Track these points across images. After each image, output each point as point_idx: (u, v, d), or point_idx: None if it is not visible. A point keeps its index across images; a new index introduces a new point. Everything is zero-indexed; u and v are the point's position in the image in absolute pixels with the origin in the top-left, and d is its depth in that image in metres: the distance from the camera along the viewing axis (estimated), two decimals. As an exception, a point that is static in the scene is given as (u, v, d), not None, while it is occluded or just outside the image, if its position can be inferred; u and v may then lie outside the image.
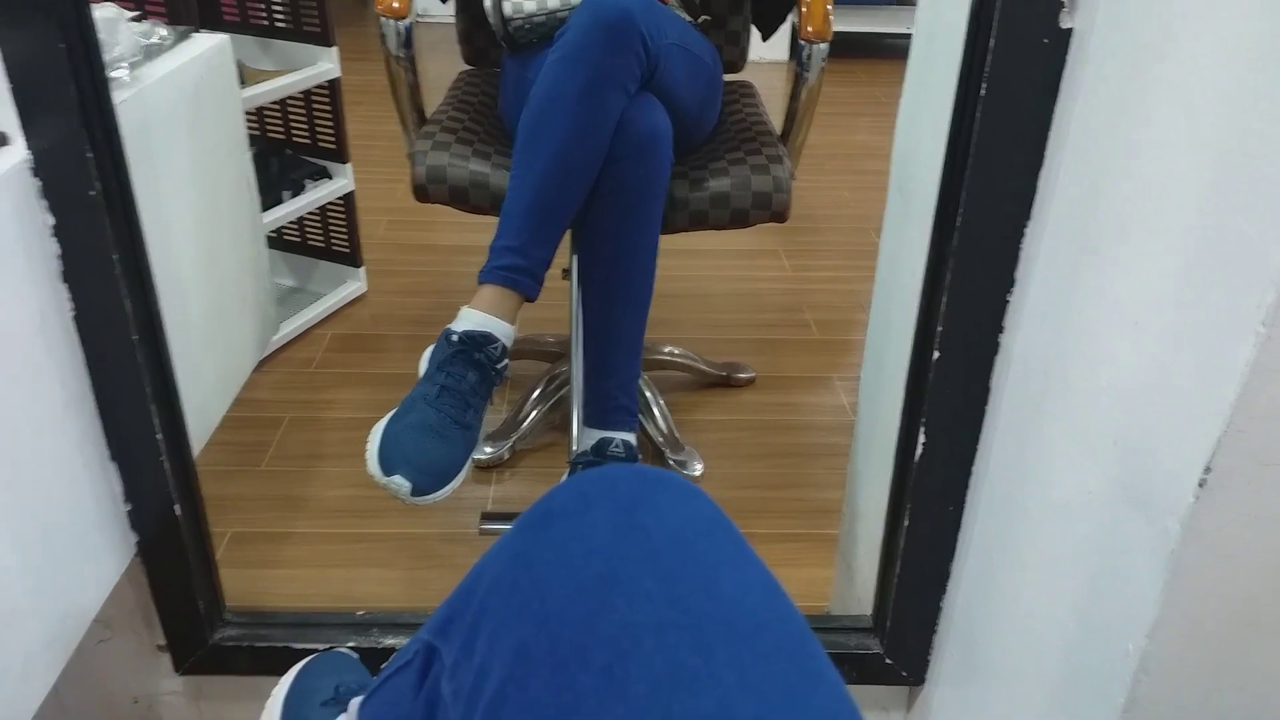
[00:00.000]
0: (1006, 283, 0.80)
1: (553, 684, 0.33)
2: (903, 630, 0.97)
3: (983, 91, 0.73)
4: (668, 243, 1.31)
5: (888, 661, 0.99)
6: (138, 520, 0.89)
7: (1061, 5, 0.70)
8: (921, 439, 0.87)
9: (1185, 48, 0.58)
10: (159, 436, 0.86)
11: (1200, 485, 0.56)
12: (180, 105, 1.14)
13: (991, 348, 0.82)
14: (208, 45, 1.21)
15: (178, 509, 0.90)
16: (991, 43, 0.72)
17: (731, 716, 0.31)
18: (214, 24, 1.71)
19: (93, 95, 0.76)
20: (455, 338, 1.11)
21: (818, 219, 2.44)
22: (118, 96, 0.81)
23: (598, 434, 1.23)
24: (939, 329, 0.83)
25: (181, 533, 0.90)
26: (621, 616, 0.34)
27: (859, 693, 1.02)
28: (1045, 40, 0.71)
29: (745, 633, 0.34)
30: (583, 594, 0.35)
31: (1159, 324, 0.60)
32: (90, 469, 0.85)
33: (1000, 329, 0.81)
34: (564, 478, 1.26)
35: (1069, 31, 0.70)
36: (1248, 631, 0.59)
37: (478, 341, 1.11)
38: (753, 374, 1.79)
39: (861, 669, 1.00)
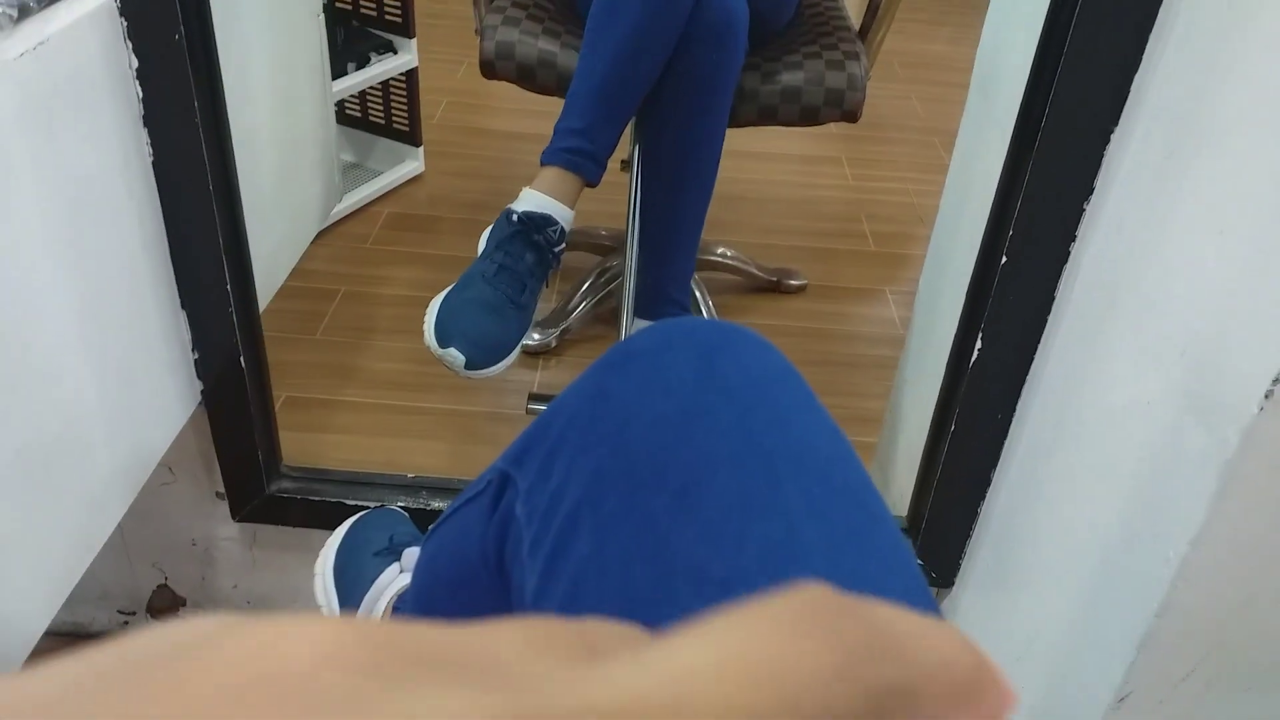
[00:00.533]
0: (1085, 190, 0.79)
1: (627, 503, 0.35)
2: (936, 533, 0.99)
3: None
4: (729, 143, 1.30)
5: (919, 565, 1.01)
6: (204, 369, 0.93)
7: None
8: (979, 345, 0.87)
9: None
10: (228, 288, 0.89)
11: (1266, 396, 0.56)
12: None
13: (1062, 256, 0.82)
14: None
15: (242, 361, 0.93)
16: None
17: (798, 540, 0.33)
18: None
19: None
20: (515, 217, 1.13)
21: (885, 128, 2.39)
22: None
23: (648, 325, 1.25)
24: (1010, 235, 0.83)
25: (245, 384, 0.94)
26: (697, 446, 0.36)
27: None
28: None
29: (814, 470, 0.35)
30: (660, 425, 0.37)
31: (1248, 232, 0.60)
32: (162, 314, 0.89)
33: (1073, 237, 0.81)
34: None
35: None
36: (1294, 545, 0.60)
37: (537, 222, 1.12)
38: (804, 281, 1.78)
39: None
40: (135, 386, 0.87)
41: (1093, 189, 0.78)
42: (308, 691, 0.10)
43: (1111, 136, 0.76)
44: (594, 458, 0.37)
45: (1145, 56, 0.72)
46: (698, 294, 1.63)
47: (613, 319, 1.56)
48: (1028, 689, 0.85)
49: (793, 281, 1.78)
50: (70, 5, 0.73)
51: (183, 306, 0.90)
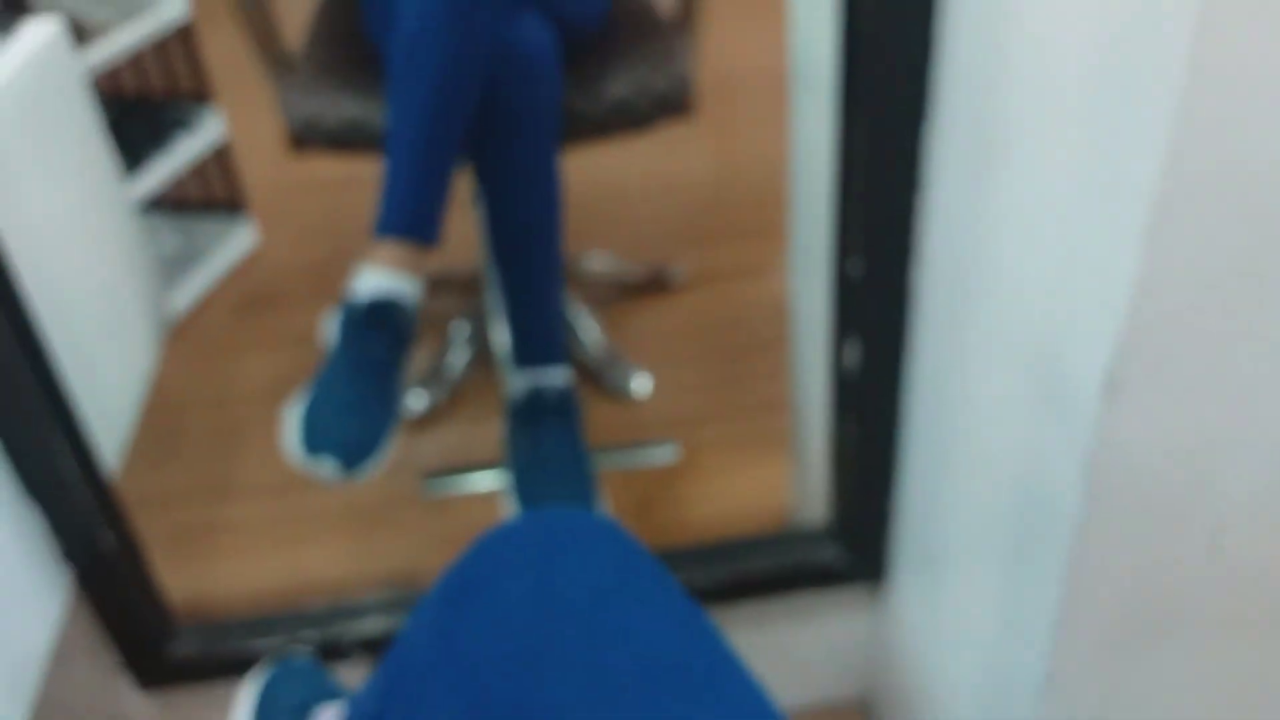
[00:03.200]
0: (912, 184, 0.84)
1: None
2: (858, 532, 1.05)
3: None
4: (570, 147, 1.32)
5: (847, 564, 1.07)
6: (69, 554, 0.92)
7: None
8: (852, 347, 0.93)
9: None
10: (71, 469, 0.89)
11: (1104, 389, 0.62)
12: (18, 113, 1.11)
13: (905, 250, 0.87)
14: (38, 41, 1.16)
15: (106, 536, 0.93)
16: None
17: None
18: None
19: None
20: (359, 308, 1.13)
21: (734, 84, 2.42)
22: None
23: (529, 378, 1.27)
24: (854, 236, 0.88)
25: (114, 559, 0.94)
26: (550, 693, 0.39)
27: (823, 597, 1.11)
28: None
29: (662, 677, 0.39)
30: (510, 674, 0.40)
31: (1054, 234, 0.65)
32: (9, 513, 0.88)
33: (910, 231, 0.86)
34: (504, 433, 1.30)
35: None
36: (1164, 517, 0.67)
37: (383, 310, 1.13)
38: (683, 270, 1.83)
39: (823, 575, 1.08)
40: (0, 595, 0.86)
41: (921, 182, 0.83)
42: None
43: (923, 131, 0.81)
44: (452, 712, 0.40)
45: (938, 51, 0.77)
46: (577, 312, 1.66)
47: (492, 365, 1.58)
48: (971, 677, 0.91)
49: (672, 277, 1.82)
50: None
51: (30, 499, 0.89)
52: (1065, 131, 0.64)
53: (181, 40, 1.76)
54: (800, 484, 1.32)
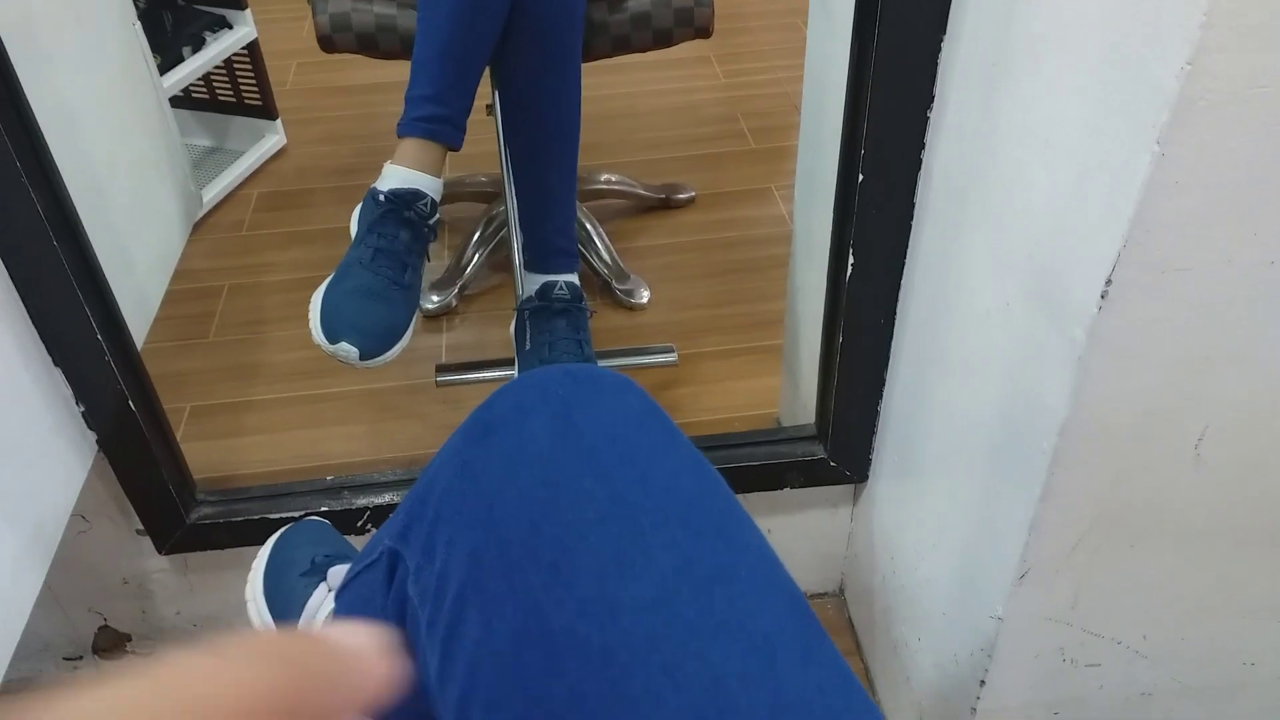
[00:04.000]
0: (925, 99, 0.80)
1: (507, 584, 0.36)
2: (844, 435, 1.03)
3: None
4: (592, 60, 1.28)
5: (832, 464, 1.05)
6: (93, 419, 0.90)
7: None
8: (851, 260, 0.89)
9: None
10: (98, 336, 0.86)
11: (1102, 296, 0.59)
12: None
13: (914, 165, 0.84)
14: None
15: (130, 403, 0.91)
16: None
17: (669, 596, 0.35)
18: None
19: None
20: (381, 198, 1.10)
21: (746, 17, 2.36)
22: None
23: (540, 278, 1.24)
24: (862, 151, 0.84)
25: (138, 424, 0.92)
26: (564, 516, 0.37)
27: (808, 494, 1.10)
28: None
29: (677, 517, 0.37)
30: (527, 500, 0.38)
31: (1068, 144, 0.62)
32: (36, 377, 0.86)
33: (922, 146, 0.82)
34: (511, 325, 1.28)
35: None
36: (1149, 423, 0.64)
37: (405, 199, 1.10)
38: (692, 193, 1.78)
39: (809, 472, 1.06)
40: (24, 455, 0.84)
41: (932, 97, 0.80)
42: None
43: (942, 45, 0.77)
44: (470, 539, 0.38)
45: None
46: (588, 225, 1.62)
47: (509, 266, 1.55)
48: (944, 573, 0.90)
49: (680, 195, 1.78)
50: None
51: (56, 364, 0.87)
52: (1087, 43, 0.60)
53: (216, -59, 1.69)
54: (789, 391, 1.30)
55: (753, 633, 0.34)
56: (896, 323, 0.93)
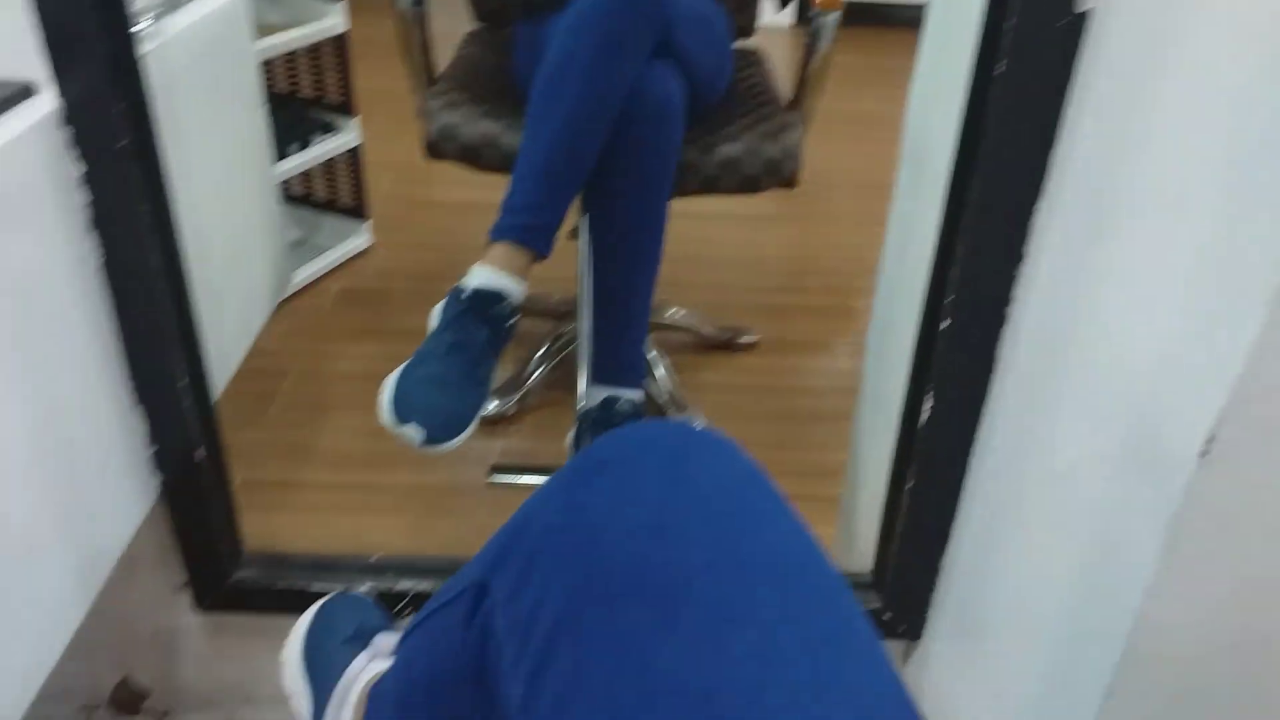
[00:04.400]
0: (1017, 257, 0.82)
1: (606, 619, 0.35)
2: (901, 587, 1.00)
3: (1000, 70, 0.75)
4: (675, 205, 1.33)
5: (886, 617, 1.02)
6: (161, 463, 0.91)
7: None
8: (928, 405, 0.89)
9: (1200, 36, 0.60)
10: (183, 382, 0.88)
11: (1202, 455, 0.58)
12: (201, 57, 1.14)
13: (1000, 319, 0.84)
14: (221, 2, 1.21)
15: (200, 453, 0.92)
16: (1009, 23, 0.73)
17: (776, 647, 0.33)
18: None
19: (122, 47, 0.77)
20: (465, 295, 1.13)
21: (825, 184, 2.44)
22: (144, 48, 0.81)
23: (605, 390, 1.26)
24: (949, 298, 0.85)
25: (203, 476, 0.92)
26: (671, 556, 0.36)
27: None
28: (1062, 22, 0.72)
29: (787, 575, 0.36)
30: (634, 537, 0.37)
31: (1170, 302, 0.63)
32: (116, 413, 0.87)
33: (1009, 301, 0.83)
34: (570, 434, 1.28)
35: (1085, 14, 0.71)
36: (1246, 593, 0.62)
37: (488, 299, 1.12)
38: (756, 338, 1.81)
39: (860, 625, 1.03)
40: (89, 487, 0.85)
41: (1023, 255, 0.81)
42: None
43: (1037, 208, 0.79)
44: (570, 571, 0.38)
45: (1062, 135, 0.75)
46: (653, 354, 1.64)
47: (569, 384, 1.56)
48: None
49: (744, 339, 1.80)
50: (11, 119, 0.73)
51: (138, 403, 0.88)
52: (1192, 207, 0.62)
53: (336, 51, 1.80)
54: (844, 540, 1.27)
55: (860, 699, 0.32)
56: (968, 474, 0.92)
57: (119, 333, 0.86)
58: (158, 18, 1.05)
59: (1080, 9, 0.71)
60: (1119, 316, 0.69)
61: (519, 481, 1.31)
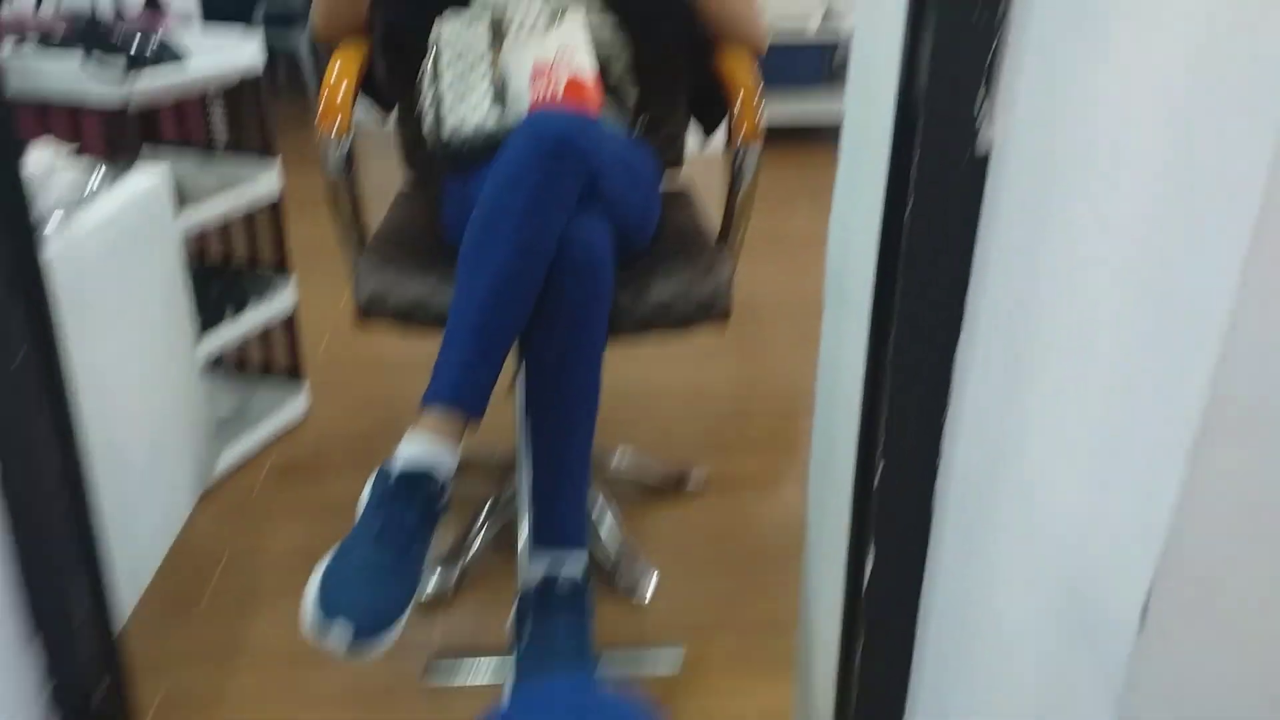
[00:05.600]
0: (943, 398, 0.81)
1: None
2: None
3: (907, 214, 0.75)
4: (613, 346, 1.31)
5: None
6: (59, 700, 0.85)
7: (977, 129, 0.72)
8: (871, 559, 0.87)
9: (1100, 169, 0.60)
10: (83, 611, 0.83)
11: (1140, 626, 0.56)
12: (115, 248, 1.13)
13: (932, 469, 0.83)
14: (143, 185, 1.20)
15: (100, 693, 0.86)
16: (913, 170, 0.74)
17: None
18: (154, 140, 1.70)
19: (24, 251, 0.74)
20: (392, 478, 1.10)
21: (761, 308, 2.47)
22: (49, 251, 0.79)
23: (547, 557, 1.21)
24: (880, 444, 0.84)
25: (104, 715, 0.86)
26: None
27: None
28: (965, 161, 0.73)
29: None
30: None
31: (1089, 448, 0.61)
32: (11, 645, 0.82)
33: (938, 452, 0.82)
34: (510, 617, 1.22)
35: (987, 156, 0.72)
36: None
37: (415, 481, 1.09)
38: (704, 476, 1.78)
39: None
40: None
41: (948, 397, 0.80)
42: None
43: (958, 344, 0.78)
44: None
45: (974, 272, 0.75)
46: (597, 507, 1.60)
47: (510, 550, 1.50)
48: None
49: (692, 481, 1.77)
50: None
51: (37, 635, 0.83)
52: (1101, 354, 0.61)
53: (270, 213, 1.81)
54: (803, 703, 1.22)
55: None
56: (920, 629, 0.89)
57: (16, 557, 0.81)
58: (67, 212, 1.04)
59: (980, 152, 0.72)
60: (1042, 466, 0.67)
61: (456, 682, 1.24)
